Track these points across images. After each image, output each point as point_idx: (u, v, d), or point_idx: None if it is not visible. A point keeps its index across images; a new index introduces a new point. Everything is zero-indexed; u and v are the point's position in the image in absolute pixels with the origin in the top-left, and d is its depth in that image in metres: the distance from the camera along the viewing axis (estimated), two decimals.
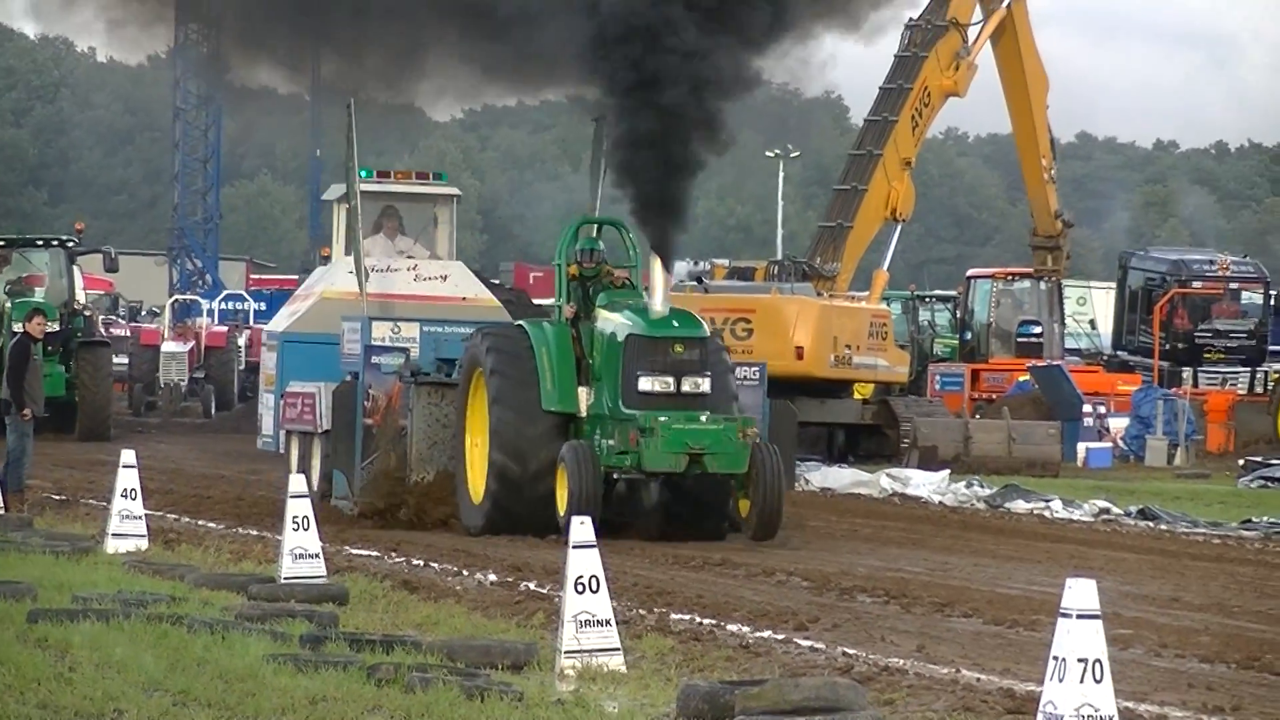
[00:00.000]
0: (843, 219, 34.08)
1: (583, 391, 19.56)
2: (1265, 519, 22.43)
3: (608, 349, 19.40)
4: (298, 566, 13.98)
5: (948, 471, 27.36)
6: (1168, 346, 43.63)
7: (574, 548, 10.07)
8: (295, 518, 14.07)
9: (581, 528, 10.27)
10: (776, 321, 30.97)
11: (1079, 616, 6.49)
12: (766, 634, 12.38)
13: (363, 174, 24.95)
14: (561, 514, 18.29)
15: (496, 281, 36.82)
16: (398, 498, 20.45)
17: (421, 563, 17.07)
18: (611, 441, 18.97)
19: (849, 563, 17.66)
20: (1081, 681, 6.45)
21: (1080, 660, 6.47)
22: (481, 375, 19.85)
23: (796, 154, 68.34)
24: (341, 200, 25.57)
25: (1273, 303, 43.28)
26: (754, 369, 23.86)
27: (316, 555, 14.36)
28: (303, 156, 72.76)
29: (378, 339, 21.69)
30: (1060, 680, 6.49)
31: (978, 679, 10.30)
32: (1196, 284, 44.38)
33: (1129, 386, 37.37)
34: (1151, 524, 22.30)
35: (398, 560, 17.14)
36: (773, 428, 21.85)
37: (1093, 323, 46.10)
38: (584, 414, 19.50)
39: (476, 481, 19.80)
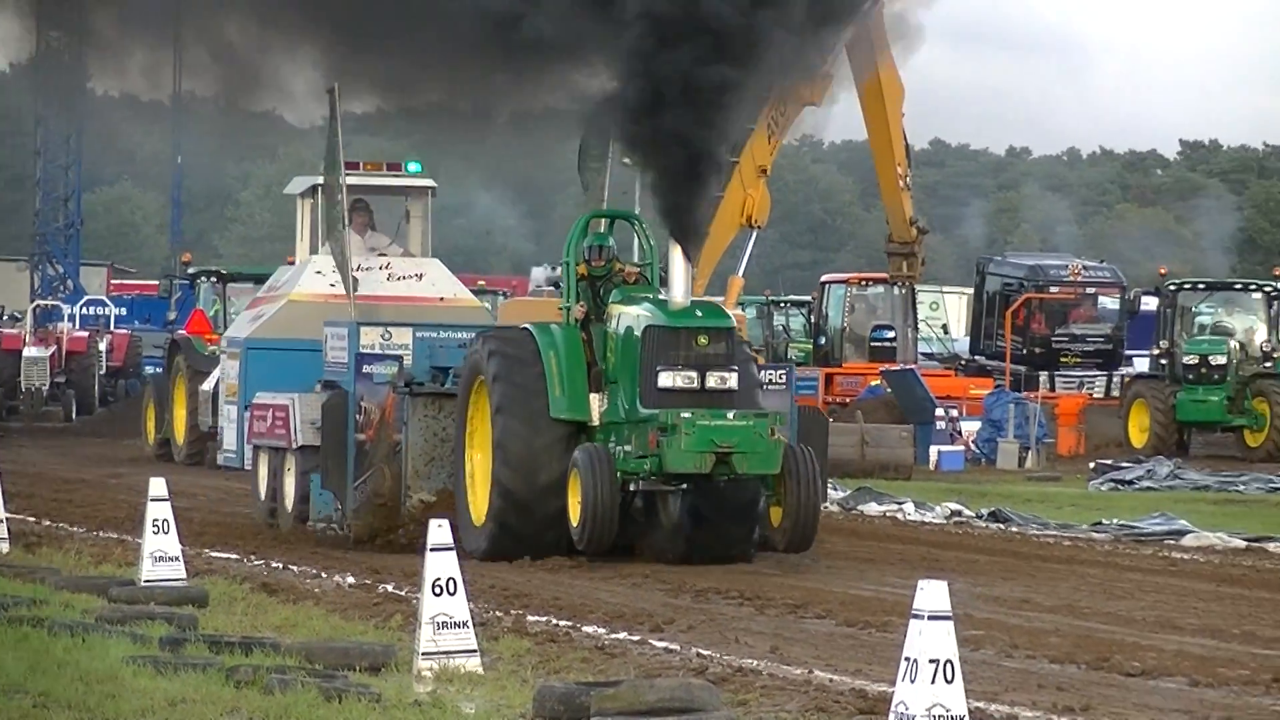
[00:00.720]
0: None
1: (595, 398, 18.23)
2: (1115, 521, 22.80)
3: (624, 346, 18.06)
4: (158, 569, 13.96)
5: None
6: (1025, 351, 44.56)
7: (431, 550, 10.12)
8: (155, 521, 14.06)
9: (440, 530, 10.28)
10: None
11: (930, 618, 6.57)
12: (622, 635, 12.60)
13: (324, 167, 23.83)
14: (575, 525, 17.24)
15: None
16: (394, 520, 19.19)
17: (280, 565, 17.28)
18: (629, 447, 17.65)
19: (703, 565, 17.32)
20: (933, 682, 6.52)
21: (932, 661, 6.55)
22: (483, 383, 18.47)
23: None
24: (307, 195, 24.57)
25: (1129, 307, 44.28)
26: (781, 370, 21.85)
27: (176, 558, 14.35)
28: (164, 163, 71.76)
29: (366, 346, 20.09)
30: (912, 681, 6.56)
31: (830, 679, 10.48)
32: (1053, 289, 45.27)
33: (981, 390, 38.06)
34: (1003, 526, 22.59)
35: (257, 563, 17.40)
36: (802, 435, 19.86)
37: (945, 327, 46.88)
38: (596, 422, 18.16)
39: (478, 500, 18.43)
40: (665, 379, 17.47)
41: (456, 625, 10.07)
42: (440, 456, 19.22)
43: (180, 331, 33.14)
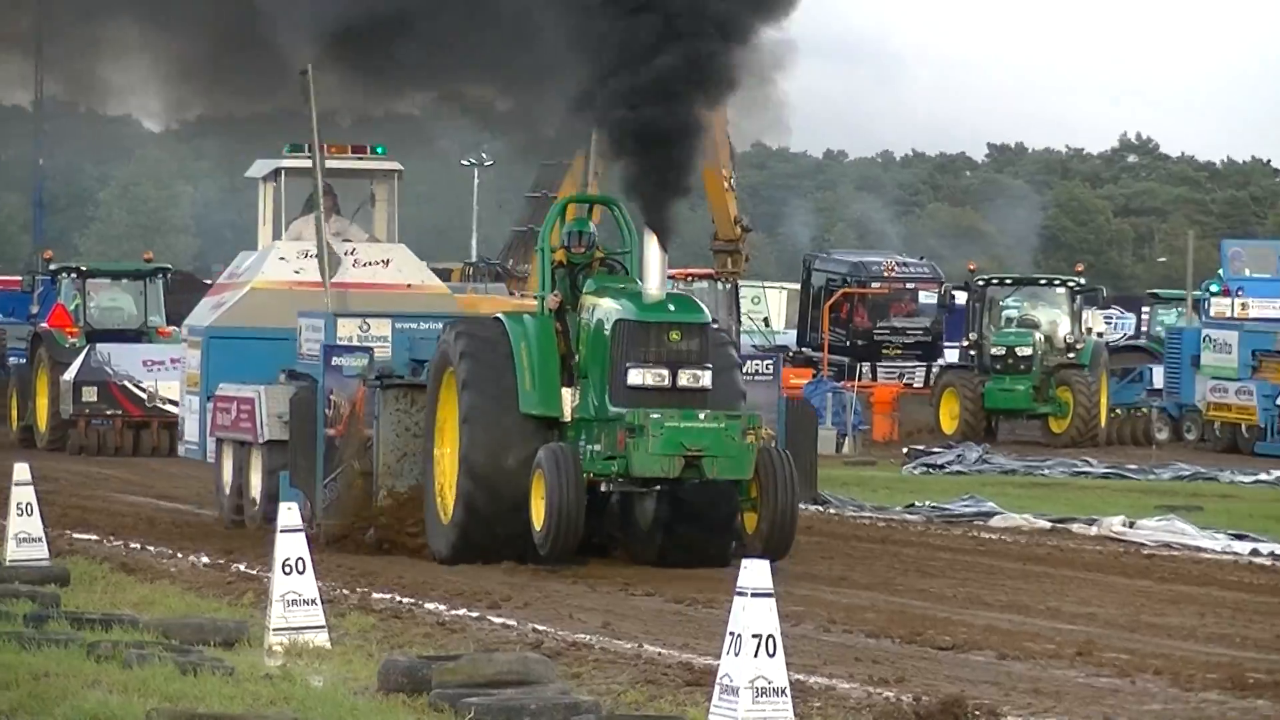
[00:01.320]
0: (534, 224, 35.17)
1: (567, 393, 17.17)
2: (927, 503, 23.58)
3: (594, 339, 17.04)
4: (21, 550, 14.28)
5: None
6: (849, 343, 46.02)
7: (282, 532, 10.45)
8: (19, 504, 14.52)
9: (289, 513, 10.63)
10: None
11: (754, 595, 6.88)
12: (462, 612, 13.09)
13: (287, 149, 23.06)
14: (538, 529, 16.17)
15: None
16: (365, 518, 18.29)
17: (139, 546, 17.63)
18: (597, 446, 16.68)
19: (680, 570, 16.59)
20: (756, 655, 6.81)
21: (755, 636, 6.84)
22: (453, 375, 17.46)
23: (491, 163, 67.30)
24: (269, 178, 23.40)
25: (943, 301, 45.73)
26: (768, 361, 21.15)
27: (40, 539, 14.61)
28: (25, 166, 71.88)
29: (344, 338, 19.37)
30: (736, 654, 6.85)
31: (659, 653, 10.94)
32: (874, 284, 46.82)
33: (801, 380, 38.77)
34: (821, 508, 22.99)
35: (116, 544, 17.71)
36: (789, 429, 19.26)
37: (767, 320, 47.93)
38: (568, 418, 17.13)
39: (446, 498, 17.43)
40: (635, 376, 16.48)
41: (305, 602, 10.40)
42: (413, 452, 18.20)
43: (43, 325, 32.75)
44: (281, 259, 22.54)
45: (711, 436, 16.02)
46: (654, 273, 17.05)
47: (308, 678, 9.51)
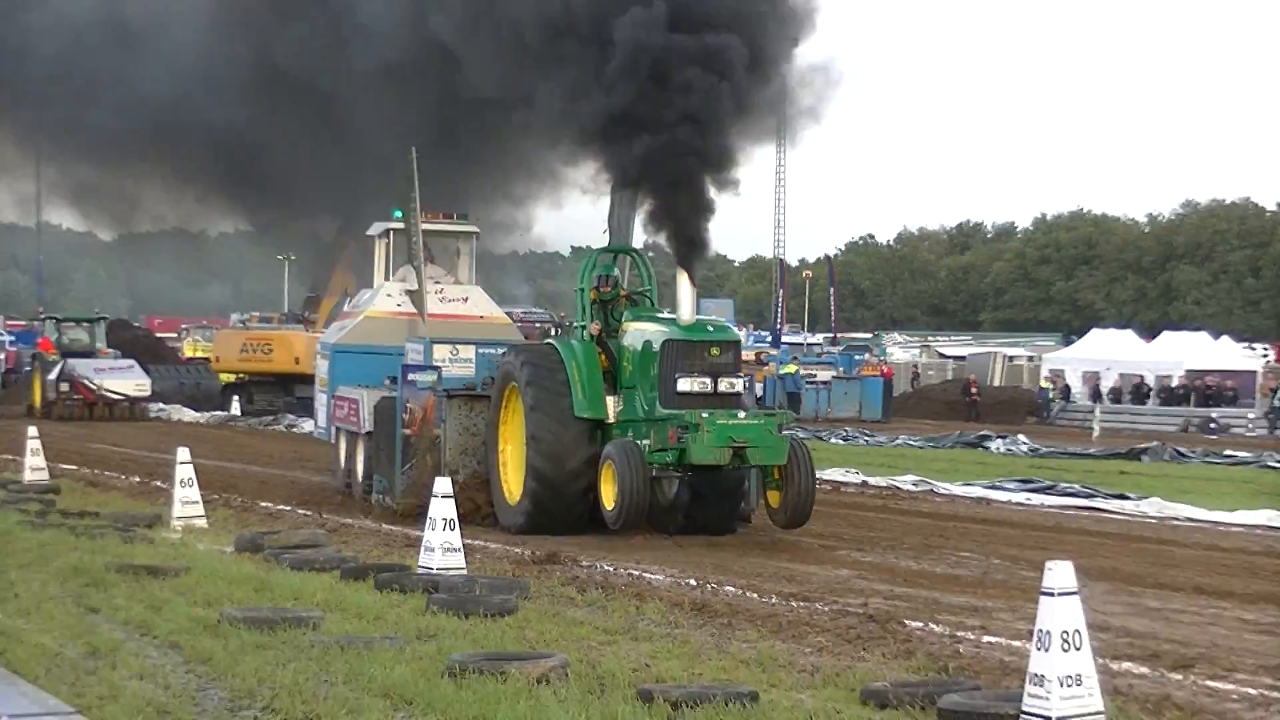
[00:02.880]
0: (319, 292, 50.33)
1: (610, 400, 19.21)
2: None
3: (641, 356, 18.95)
4: (34, 475, 22.07)
5: None
6: None
7: (180, 464, 17.40)
8: (33, 449, 22.19)
9: (182, 449, 17.66)
10: (285, 345, 46.09)
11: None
12: (285, 509, 20.80)
13: (396, 214, 26.13)
14: (609, 509, 17.97)
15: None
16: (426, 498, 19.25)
17: (99, 471, 25.55)
18: (648, 441, 18.32)
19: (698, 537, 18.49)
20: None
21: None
22: (515, 389, 19.48)
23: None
24: (382, 236, 26.63)
25: None
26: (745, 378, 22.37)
27: (44, 468, 22.49)
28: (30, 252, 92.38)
29: (439, 359, 21.63)
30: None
31: (392, 530, 18.48)
32: None
33: None
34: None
35: (87, 471, 25.40)
36: None
37: None
38: (612, 419, 19.08)
39: (511, 484, 19.53)
40: (683, 384, 18.29)
41: (193, 502, 17.44)
42: (471, 448, 20.26)
43: (37, 349, 47.66)
44: (388, 295, 25.67)
45: (754, 431, 17.93)
46: (686, 301, 19.18)
47: (195, 544, 15.96)
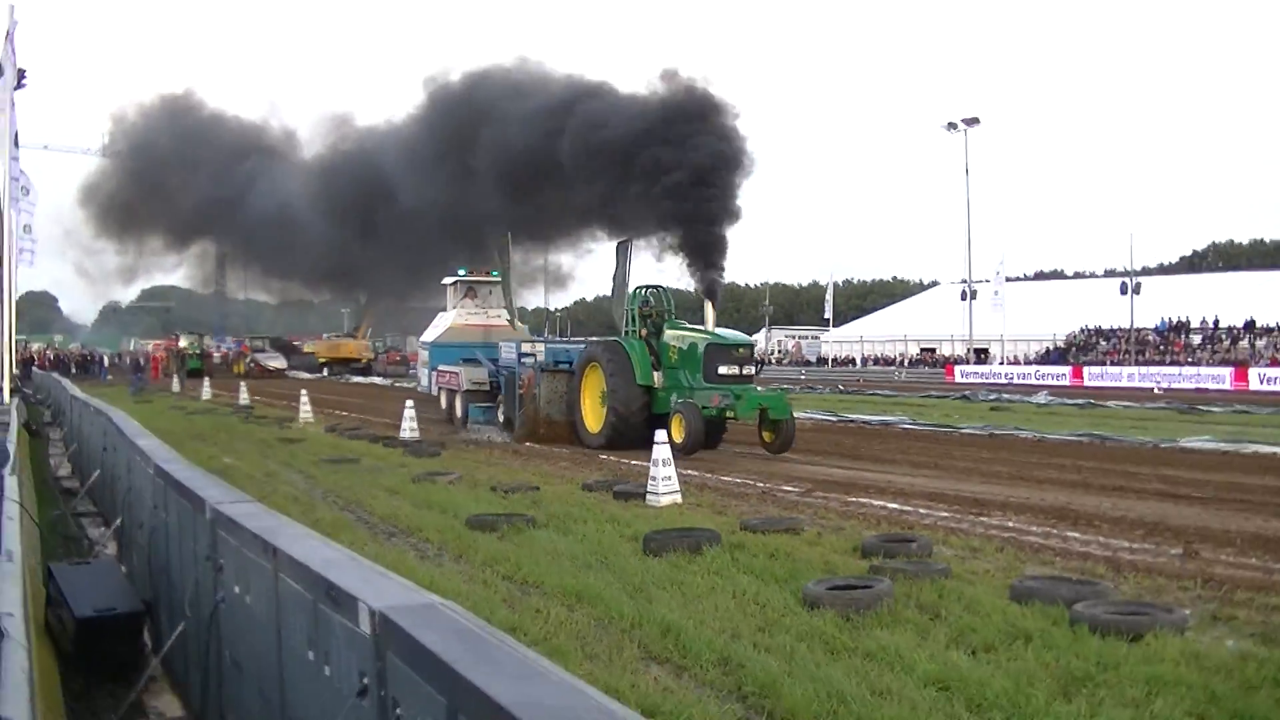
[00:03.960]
0: (357, 325, 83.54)
1: (656, 375, 28.14)
2: None
3: (687, 352, 27.66)
4: (243, 400, 41.87)
5: None
6: None
7: (304, 396, 32.23)
8: (242, 388, 45.41)
9: (303, 391, 32.47)
10: (346, 347, 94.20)
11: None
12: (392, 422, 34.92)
13: (461, 271, 44.11)
14: (680, 440, 25.25)
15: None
16: (534, 431, 29.97)
17: (269, 400, 46.84)
18: (692, 401, 26.68)
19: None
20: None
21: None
22: (596, 366, 28.74)
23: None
24: (452, 284, 44.02)
25: None
26: None
27: (245, 399, 40.59)
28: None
29: (526, 351, 32.87)
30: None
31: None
32: None
33: None
34: None
35: (261, 399, 49.79)
36: None
37: None
38: (659, 386, 27.95)
39: (591, 422, 28.73)
40: (723, 370, 27.22)
41: (308, 412, 32.12)
42: (554, 400, 30.11)
43: (240, 349, 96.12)
44: (458, 316, 43.14)
45: (773, 399, 27.13)
46: (710, 318, 28.51)
47: (309, 430, 30.96)
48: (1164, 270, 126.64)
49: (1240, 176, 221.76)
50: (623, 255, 30.29)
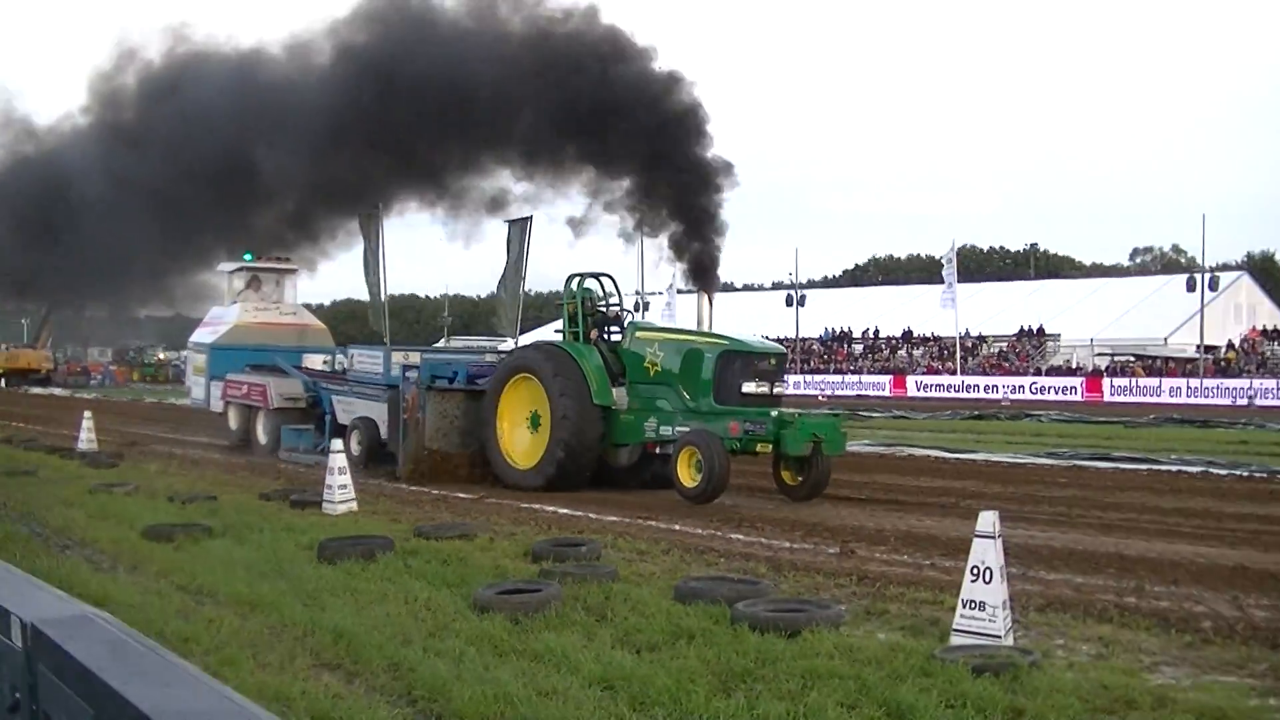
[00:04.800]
0: (37, 335, 79.24)
1: (616, 392, 21.67)
2: None
3: (684, 363, 20.92)
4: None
5: None
6: None
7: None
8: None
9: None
10: (26, 357, 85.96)
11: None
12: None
13: (246, 257, 35.51)
14: (690, 486, 19.44)
15: None
16: (418, 467, 23.25)
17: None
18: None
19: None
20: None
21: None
22: (529, 380, 22.07)
23: None
24: (235, 273, 35.45)
25: None
26: None
27: None
28: None
29: (396, 362, 25.44)
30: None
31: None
32: None
33: None
34: None
35: None
36: None
37: None
38: (619, 407, 21.56)
39: (520, 455, 22.14)
40: (748, 387, 20.44)
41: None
42: (444, 428, 23.49)
43: None
44: (244, 312, 34.16)
45: (828, 427, 20.17)
46: (706, 319, 22.00)
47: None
48: (828, 284, 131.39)
49: (899, 193, 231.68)
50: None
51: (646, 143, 23.94)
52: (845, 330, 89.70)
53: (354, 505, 18.00)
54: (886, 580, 12.60)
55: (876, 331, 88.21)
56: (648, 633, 9.87)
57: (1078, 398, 68.86)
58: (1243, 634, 10.25)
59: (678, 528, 17.02)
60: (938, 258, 68.74)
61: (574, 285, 22.97)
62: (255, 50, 35.59)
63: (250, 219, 37.20)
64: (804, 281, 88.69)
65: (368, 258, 27.06)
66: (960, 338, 77.94)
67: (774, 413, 20.14)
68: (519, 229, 25.25)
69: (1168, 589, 12.45)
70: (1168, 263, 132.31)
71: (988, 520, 9.20)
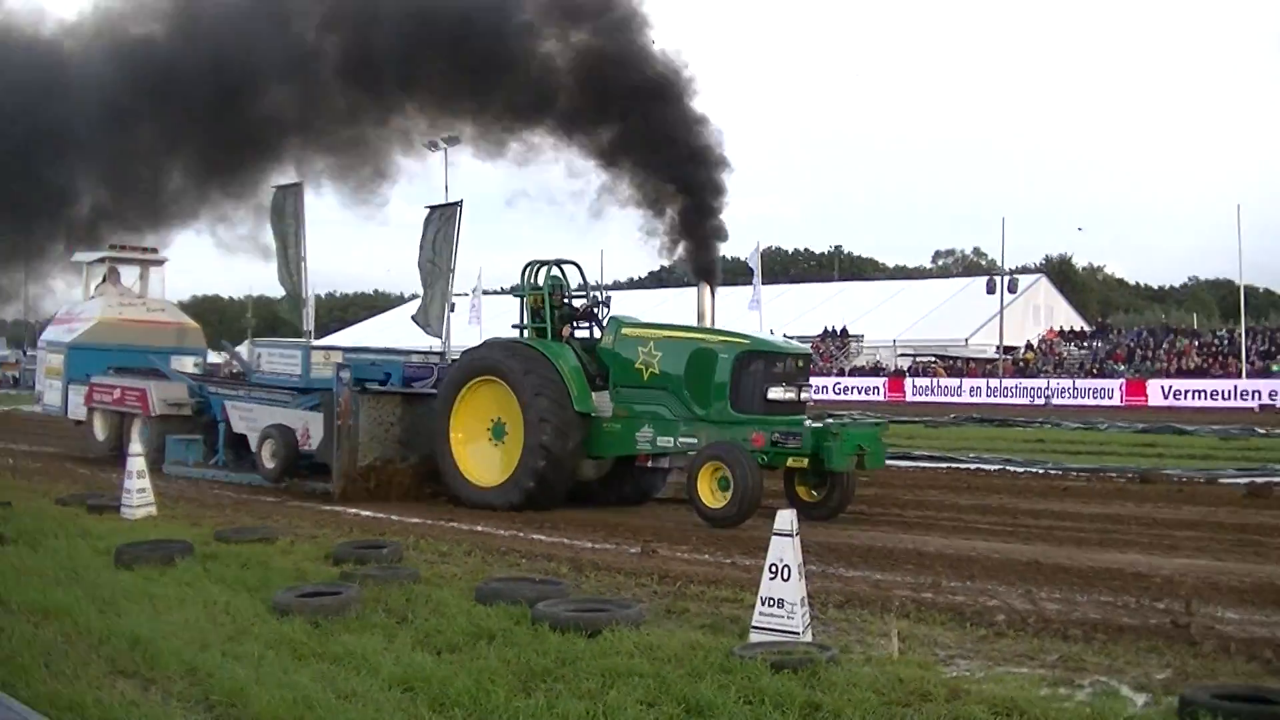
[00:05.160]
0: None
1: (597, 397, 19.28)
2: None
3: (690, 365, 18.63)
4: None
5: None
6: None
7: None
8: None
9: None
10: None
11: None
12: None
13: (108, 248, 30.90)
14: (716, 507, 17.32)
15: None
16: (352, 481, 20.61)
17: None
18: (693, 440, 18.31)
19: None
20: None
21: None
22: (491, 383, 19.58)
23: None
24: (94, 264, 31.13)
25: None
26: None
27: None
28: None
29: (316, 362, 22.72)
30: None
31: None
32: None
33: None
34: None
35: None
36: None
37: None
38: (602, 414, 19.22)
39: (481, 470, 19.69)
40: (774, 393, 18.17)
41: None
42: (379, 437, 20.92)
43: None
44: (108, 308, 30.26)
45: (871, 437, 18.08)
46: (708, 312, 19.87)
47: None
48: (632, 285, 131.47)
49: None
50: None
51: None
52: None
53: (153, 509, 17.66)
54: (688, 579, 12.71)
55: None
56: (448, 634, 9.87)
57: (881, 398, 70.38)
58: (1035, 626, 10.52)
59: (480, 529, 17.05)
60: (743, 259, 68.91)
61: (537, 275, 20.63)
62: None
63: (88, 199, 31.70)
64: (608, 283, 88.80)
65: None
66: None
67: (806, 421, 17.99)
68: (288, 196, 24.09)
69: (963, 584, 12.75)
70: (969, 265, 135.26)
71: (785, 519, 9.34)
